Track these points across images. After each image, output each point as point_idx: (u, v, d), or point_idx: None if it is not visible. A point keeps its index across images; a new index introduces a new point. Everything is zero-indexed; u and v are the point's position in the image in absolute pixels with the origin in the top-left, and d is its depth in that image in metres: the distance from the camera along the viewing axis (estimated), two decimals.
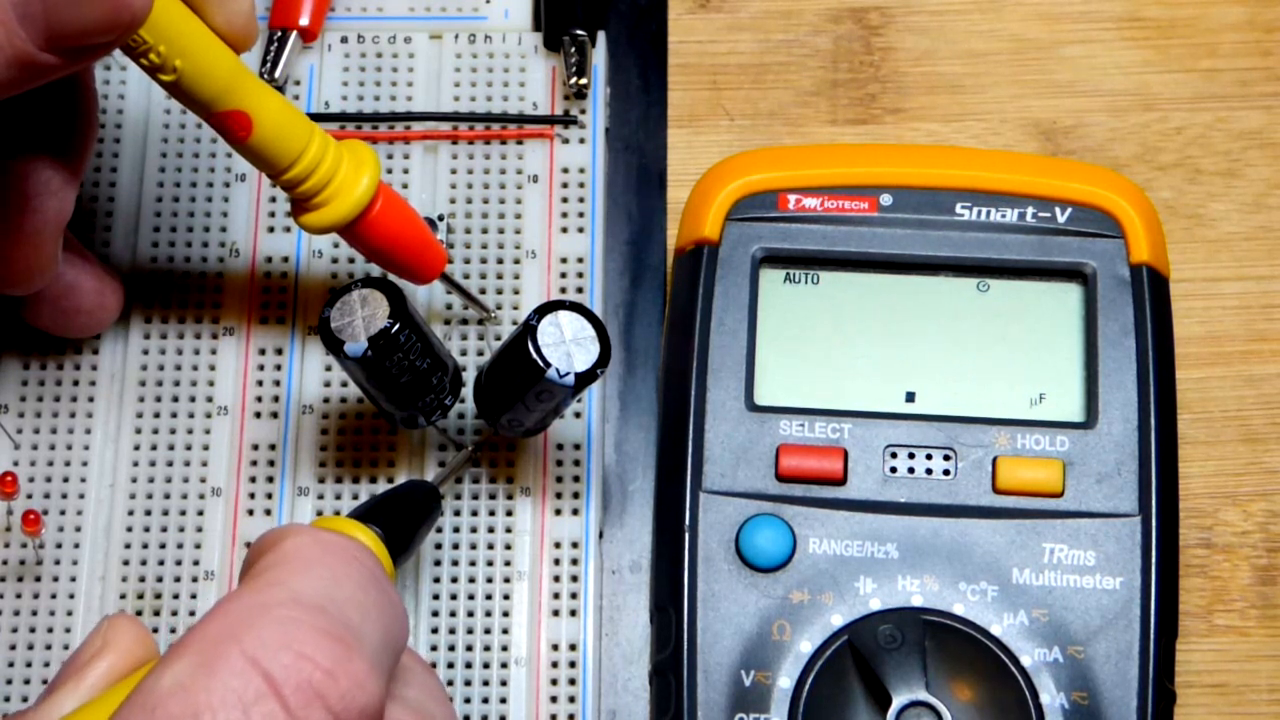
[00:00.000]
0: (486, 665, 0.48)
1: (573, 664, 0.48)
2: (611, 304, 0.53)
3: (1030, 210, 0.51)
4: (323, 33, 0.54)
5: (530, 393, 0.46)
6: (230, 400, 0.50)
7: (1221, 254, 0.55)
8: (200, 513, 0.50)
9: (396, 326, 0.45)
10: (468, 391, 0.50)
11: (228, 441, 0.50)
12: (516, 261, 0.52)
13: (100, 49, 0.40)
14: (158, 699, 0.34)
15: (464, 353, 0.51)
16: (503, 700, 0.48)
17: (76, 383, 0.51)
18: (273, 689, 0.34)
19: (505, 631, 0.49)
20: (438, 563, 0.49)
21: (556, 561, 0.49)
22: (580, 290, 0.52)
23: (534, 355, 0.45)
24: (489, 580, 0.49)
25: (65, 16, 0.39)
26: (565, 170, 0.53)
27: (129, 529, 0.49)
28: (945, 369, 0.50)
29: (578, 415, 0.50)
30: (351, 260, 0.52)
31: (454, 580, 0.49)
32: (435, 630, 0.48)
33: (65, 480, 0.50)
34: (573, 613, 0.49)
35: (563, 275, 0.52)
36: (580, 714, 0.48)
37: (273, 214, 0.52)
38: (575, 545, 0.49)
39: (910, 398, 0.50)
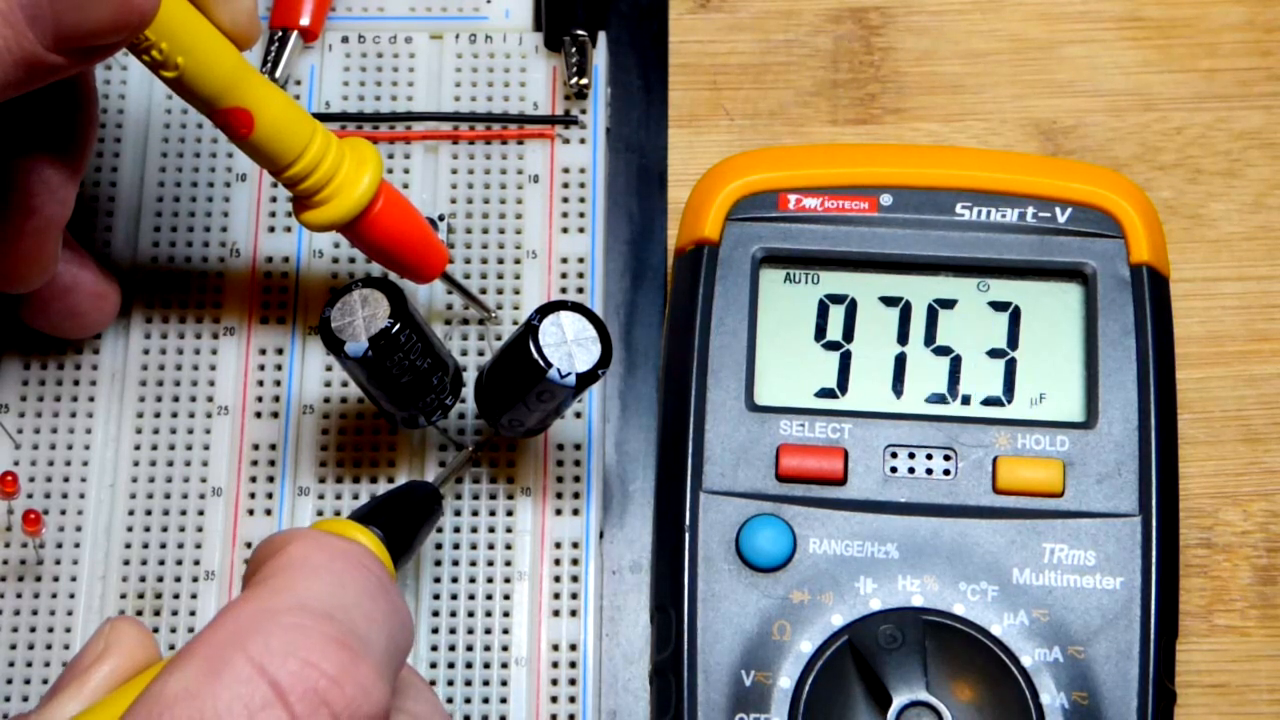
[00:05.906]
0: (487, 665, 0.48)
1: (573, 664, 0.48)
2: (612, 304, 0.53)
3: (1030, 210, 0.51)
4: (323, 32, 0.54)
5: (531, 393, 0.46)
6: (230, 400, 0.50)
7: (1221, 254, 0.55)
8: (200, 513, 0.49)
9: (397, 326, 0.45)
10: (468, 391, 0.50)
11: (228, 441, 0.50)
12: (517, 261, 0.52)
13: (107, 49, 0.40)
14: (164, 705, 0.34)
15: (464, 353, 0.51)
16: (503, 700, 0.48)
17: (77, 383, 0.51)
18: (279, 696, 0.34)
19: (505, 631, 0.49)
20: (438, 563, 0.49)
21: (557, 561, 0.49)
22: (580, 290, 0.52)
23: (535, 356, 0.45)
24: (489, 580, 0.49)
25: (73, 17, 0.39)
26: (566, 170, 0.53)
27: (129, 529, 0.49)
28: (945, 369, 0.50)
29: (578, 415, 0.50)
30: (352, 260, 0.52)
31: (454, 580, 0.49)
32: (435, 630, 0.48)
33: (65, 480, 0.50)
34: (573, 613, 0.49)
35: (563, 275, 0.52)
36: (580, 714, 0.48)
37: (273, 214, 0.52)
38: (575, 545, 0.49)
39: (910, 398, 0.50)
